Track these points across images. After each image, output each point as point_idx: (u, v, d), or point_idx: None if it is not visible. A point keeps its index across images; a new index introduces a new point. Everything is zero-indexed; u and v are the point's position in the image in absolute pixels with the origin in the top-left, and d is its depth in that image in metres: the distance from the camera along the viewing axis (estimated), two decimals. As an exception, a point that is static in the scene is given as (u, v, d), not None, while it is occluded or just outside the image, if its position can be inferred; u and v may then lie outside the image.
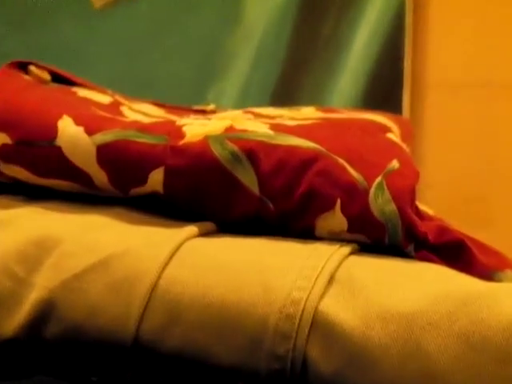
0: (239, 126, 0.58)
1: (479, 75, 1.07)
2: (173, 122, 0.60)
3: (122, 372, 0.49)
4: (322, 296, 0.47)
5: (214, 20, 1.13)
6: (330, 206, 0.54)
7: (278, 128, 0.58)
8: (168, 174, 0.56)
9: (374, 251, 0.54)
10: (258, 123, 0.60)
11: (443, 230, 0.56)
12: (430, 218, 0.59)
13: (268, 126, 0.59)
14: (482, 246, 0.59)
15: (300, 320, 0.46)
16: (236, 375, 0.47)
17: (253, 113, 0.73)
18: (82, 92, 0.69)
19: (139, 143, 0.56)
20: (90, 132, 0.57)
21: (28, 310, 0.50)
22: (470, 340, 0.44)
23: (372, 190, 0.53)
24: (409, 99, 1.09)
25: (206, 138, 0.56)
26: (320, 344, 0.46)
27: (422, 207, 0.61)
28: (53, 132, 0.57)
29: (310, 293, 0.47)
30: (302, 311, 0.46)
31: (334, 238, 0.54)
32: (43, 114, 0.58)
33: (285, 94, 1.12)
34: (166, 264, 0.50)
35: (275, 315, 0.47)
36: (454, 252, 0.55)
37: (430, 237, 0.54)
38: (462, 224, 0.61)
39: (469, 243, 0.55)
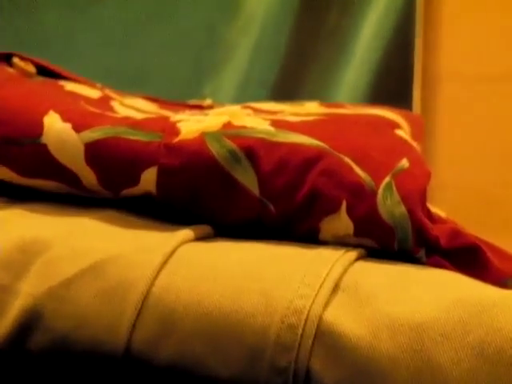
0: (238, 122, 0.58)
1: (495, 68, 1.07)
2: (167, 118, 0.60)
3: (112, 385, 0.49)
4: (326, 305, 0.47)
5: (211, 9, 1.13)
6: (334, 208, 0.54)
7: (279, 124, 0.58)
8: (161, 174, 0.56)
9: (382, 257, 0.54)
10: (257, 119, 0.60)
11: (456, 233, 0.56)
12: (442, 221, 0.60)
13: (268, 122, 0.59)
14: (498, 251, 0.59)
15: (303, 330, 0.46)
16: (234, 389, 0.47)
17: (252, 108, 0.73)
18: (70, 86, 0.70)
19: (131, 141, 0.56)
20: (77, 129, 0.57)
21: (12, 319, 0.50)
22: (484, 352, 0.44)
23: (380, 191, 0.53)
24: (419, 93, 1.09)
25: (203, 135, 0.56)
26: (324, 356, 0.46)
27: (434, 209, 0.61)
28: (38, 129, 0.58)
29: (313, 301, 0.47)
30: (305, 321, 0.46)
31: (339, 242, 0.54)
32: (28, 109, 0.59)
33: (286, 88, 1.12)
34: (160, 271, 0.50)
35: (276, 325, 0.47)
36: (468, 257, 0.55)
37: (443, 241, 0.55)
38: (477, 227, 0.61)
39: (484, 248, 0.56)
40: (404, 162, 0.56)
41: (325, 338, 0.46)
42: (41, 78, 0.71)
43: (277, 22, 1.12)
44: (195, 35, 1.14)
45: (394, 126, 0.68)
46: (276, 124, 0.58)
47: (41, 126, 0.57)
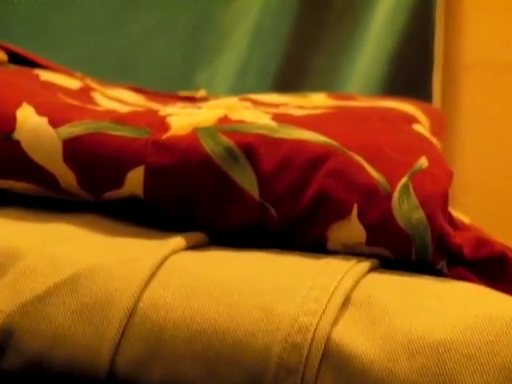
0: (235, 116, 0.58)
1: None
2: (155, 112, 0.60)
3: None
4: (335, 322, 0.47)
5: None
6: (344, 213, 0.54)
7: (281, 118, 0.59)
8: (149, 174, 0.56)
9: (398, 268, 0.54)
10: (257, 113, 0.60)
11: (482, 242, 0.56)
12: (465, 228, 0.60)
13: (270, 116, 0.59)
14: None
15: (308, 351, 0.46)
16: (231, 418, 0.47)
17: (251, 100, 0.73)
18: (46, 75, 0.70)
19: (115, 137, 0.57)
20: (55, 123, 0.57)
21: (-19, 339, 0.50)
22: (514, 375, 0.44)
23: (396, 194, 0.53)
24: (440, 83, 1.09)
25: (195, 131, 0.56)
26: (333, 380, 0.46)
27: (457, 214, 0.61)
28: (10, 123, 0.58)
29: (320, 318, 0.47)
30: (311, 340, 0.47)
31: (349, 251, 0.54)
32: (-2, 101, 0.59)
33: (290, 77, 1.12)
34: (147, 284, 0.50)
35: (279, 345, 0.47)
36: (495, 269, 0.55)
37: (466, 250, 0.55)
38: (505, 234, 0.61)
39: (513, 258, 0.56)
40: (423, 161, 0.56)
41: (333, 359, 0.46)
42: (13, 67, 0.72)
43: (279, 4, 1.13)
44: (186, 18, 1.14)
45: (412, 120, 0.68)
46: (278, 118, 0.59)
47: (13, 120, 0.58)
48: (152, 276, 0.50)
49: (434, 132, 0.71)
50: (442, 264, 0.54)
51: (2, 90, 0.60)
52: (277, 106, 0.70)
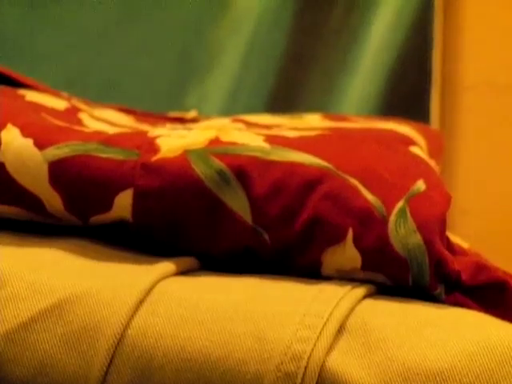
0: (227, 137, 0.59)
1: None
2: (144, 133, 0.60)
3: None
4: (329, 350, 0.48)
5: (195, 5, 1.13)
6: (339, 238, 0.54)
7: (275, 140, 0.59)
8: (138, 198, 0.56)
9: (395, 294, 0.54)
10: (250, 134, 0.61)
11: (481, 267, 0.56)
12: (464, 253, 0.60)
13: (263, 137, 0.59)
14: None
15: (302, 379, 0.47)
16: None
17: (244, 121, 0.73)
18: (31, 95, 0.70)
19: (102, 159, 0.57)
20: (40, 145, 0.57)
21: (-36, 367, 0.50)
22: (513, 405, 0.44)
23: (392, 218, 0.54)
24: (439, 104, 1.09)
25: (186, 153, 0.57)
26: (327, 410, 0.46)
27: (455, 239, 0.61)
28: (-6, 145, 0.58)
29: (314, 345, 0.47)
30: (305, 368, 0.47)
31: (344, 277, 0.55)
32: (-18, 122, 0.59)
33: (284, 97, 1.13)
34: (135, 310, 0.50)
35: (271, 374, 0.47)
36: (495, 295, 0.55)
37: (465, 276, 0.55)
38: (505, 260, 0.62)
39: (513, 284, 0.56)
40: (420, 184, 0.56)
41: (328, 388, 0.47)
42: (-3, 86, 0.72)
43: (273, 20, 1.13)
44: (176, 36, 1.14)
45: (409, 142, 0.68)
46: (271, 140, 0.59)
47: (-3, 141, 0.58)
48: (141, 302, 0.51)
49: (431, 154, 0.71)
50: (440, 290, 0.54)
51: (-14, 110, 0.61)
52: (270, 127, 0.71)
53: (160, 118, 0.79)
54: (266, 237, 0.56)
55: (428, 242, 0.53)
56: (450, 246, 0.57)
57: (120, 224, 0.58)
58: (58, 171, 0.57)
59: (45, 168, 0.57)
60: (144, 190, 0.56)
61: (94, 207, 0.57)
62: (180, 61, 1.14)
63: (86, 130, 0.62)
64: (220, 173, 0.55)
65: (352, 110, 1.10)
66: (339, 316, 0.49)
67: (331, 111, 1.06)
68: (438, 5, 1.09)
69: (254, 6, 1.12)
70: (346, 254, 0.54)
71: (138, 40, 1.13)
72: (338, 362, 0.47)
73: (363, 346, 0.48)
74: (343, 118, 0.80)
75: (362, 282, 0.54)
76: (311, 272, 0.56)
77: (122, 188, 0.56)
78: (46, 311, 0.51)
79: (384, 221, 0.54)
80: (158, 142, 0.58)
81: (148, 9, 1.14)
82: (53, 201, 0.58)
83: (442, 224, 0.55)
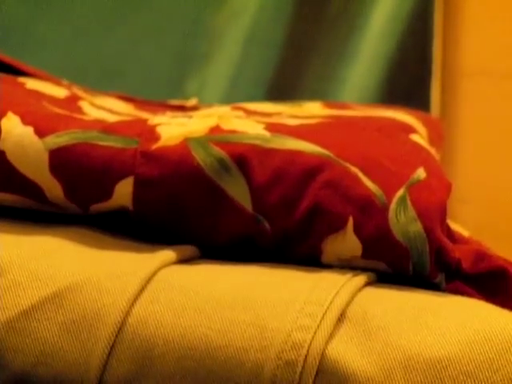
0: (227, 125, 0.58)
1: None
2: (144, 121, 0.60)
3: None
4: (329, 338, 0.47)
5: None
6: (339, 226, 0.54)
7: (275, 128, 0.59)
8: (138, 186, 0.56)
9: (395, 282, 0.54)
10: (250, 122, 0.60)
11: (481, 255, 0.56)
12: (464, 241, 0.60)
13: (263, 125, 0.59)
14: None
15: (302, 368, 0.47)
16: None
17: (244, 109, 0.73)
18: (32, 83, 0.70)
19: (103, 147, 0.57)
20: (41, 133, 0.57)
21: (-35, 355, 0.50)
22: (514, 393, 0.44)
23: (392, 206, 0.54)
24: (439, 92, 1.09)
25: (186, 141, 0.56)
26: (328, 398, 0.46)
27: (455, 227, 0.61)
28: (-5, 133, 0.58)
29: (314, 334, 0.47)
30: (305, 357, 0.47)
31: (345, 265, 0.55)
32: (-18, 111, 0.59)
33: (284, 85, 1.13)
34: (136, 298, 0.50)
35: (272, 362, 0.47)
36: (495, 283, 0.55)
37: (465, 264, 0.55)
38: (505, 247, 0.61)
39: (513, 272, 0.56)
40: (420, 172, 0.56)
41: (328, 376, 0.46)
42: (-3, 74, 0.72)
43: (273, 8, 1.13)
44: (176, 24, 1.14)
45: (409, 130, 0.68)
46: (272, 128, 0.59)
47: (-2, 130, 0.58)
48: (141, 290, 0.51)
49: (432, 142, 0.71)
50: (440, 278, 0.54)
51: (-14, 98, 0.61)
52: (270, 115, 0.71)
53: (160, 105, 0.79)
54: (267, 225, 0.56)
55: (428, 230, 0.53)
56: (450, 234, 0.57)
57: (120, 212, 0.58)
58: (59, 159, 0.57)
59: (45, 156, 0.57)
60: (144, 179, 0.56)
61: (94, 195, 0.57)
62: (180, 49, 1.14)
63: (86, 118, 0.62)
64: (220, 161, 0.55)
65: (352, 98, 1.10)
66: (340, 304, 0.49)
67: (331, 99, 1.06)
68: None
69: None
70: (347, 242, 0.54)
71: (138, 28, 1.14)
72: (338, 350, 0.47)
73: (363, 334, 0.48)
74: (343, 106, 0.80)
75: (362, 270, 0.54)
76: (312, 260, 0.55)
77: (123, 176, 0.56)
78: (46, 299, 0.51)
79: (384, 209, 0.54)
80: (159, 130, 0.58)
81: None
82: (53, 189, 0.58)
83: (443, 212, 0.55)
